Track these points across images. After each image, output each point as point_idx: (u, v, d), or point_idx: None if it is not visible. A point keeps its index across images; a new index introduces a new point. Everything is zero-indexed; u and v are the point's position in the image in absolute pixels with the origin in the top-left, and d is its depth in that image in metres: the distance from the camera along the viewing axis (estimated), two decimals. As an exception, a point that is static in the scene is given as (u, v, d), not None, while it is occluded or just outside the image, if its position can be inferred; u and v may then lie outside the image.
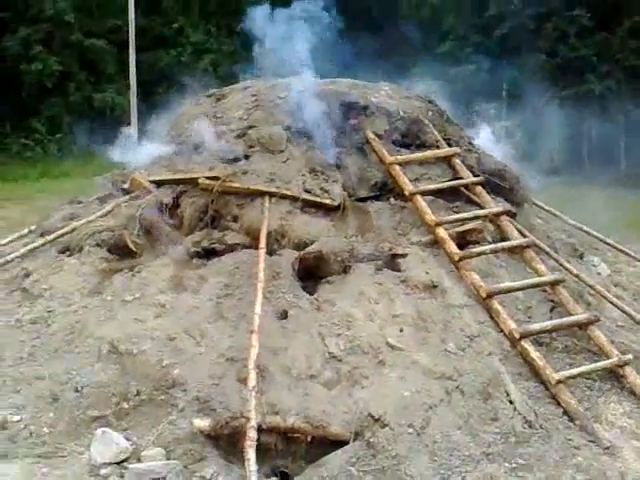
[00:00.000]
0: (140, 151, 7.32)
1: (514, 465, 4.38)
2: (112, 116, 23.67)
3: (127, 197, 6.63)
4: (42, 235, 6.72)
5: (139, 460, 4.36)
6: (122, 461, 4.38)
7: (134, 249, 5.98)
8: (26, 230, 7.39)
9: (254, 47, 7.55)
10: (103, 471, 4.31)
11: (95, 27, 25.71)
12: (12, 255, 6.45)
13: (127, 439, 4.50)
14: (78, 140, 21.97)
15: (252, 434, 4.25)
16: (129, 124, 20.31)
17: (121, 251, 6.00)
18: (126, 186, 6.79)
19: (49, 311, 5.61)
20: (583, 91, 22.97)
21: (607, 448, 4.59)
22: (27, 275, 6.10)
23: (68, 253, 6.27)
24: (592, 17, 23.60)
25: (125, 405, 4.72)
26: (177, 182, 6.36)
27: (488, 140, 7.79)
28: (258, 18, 7.35)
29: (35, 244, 6.50)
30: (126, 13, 21.53)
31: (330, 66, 8.07)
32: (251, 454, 4.11)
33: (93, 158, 16.60)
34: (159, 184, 6.42)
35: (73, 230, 6.44)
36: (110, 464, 4.35)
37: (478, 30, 25.88)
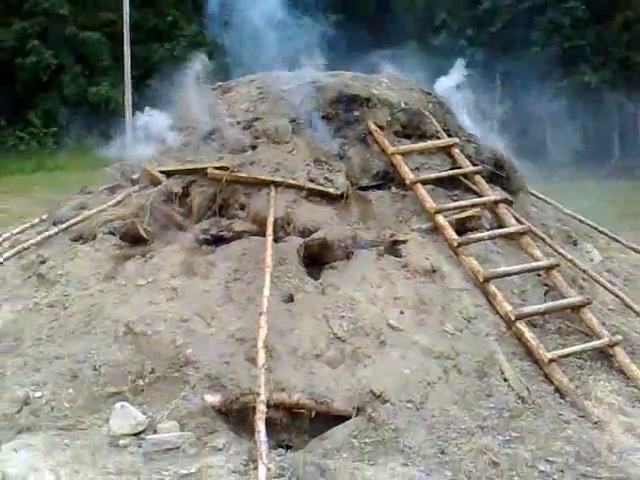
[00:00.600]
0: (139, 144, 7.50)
1: (507, 437, 4.62)
2: (107, 109, 23.71)
3: (137, 187, 6.82)
4: (55, 224, 6.88)
5: (155, 432, 4.62)
6: (139, 433, 4.65)
7: (145, 236, 6.18)
8: (37, 219, 7.61)
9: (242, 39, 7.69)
10: (122, 442, 4.58)
11: (89, 20, 25.70)
12: (28, 243, 6.63)
13: (143, 413, 4.75)
14: (73, 133, 22.06)
15: (262, 408, 4.48)
16: (123, 117, 20.39)
17: (133, 238, 6.19)
18: (135, 176, 6.98)
19: (65, 295, 5.80)
20: (577, 83, 23.05)
21: (596, 423, 4.84)
22: (43, 262, 6.26)
23: (81, 241, 6.45)
24: (586, 9, 23.67)
25: (141, 382, 4.97)
26: (186, 172, 6.54)
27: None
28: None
29: (49, 232, 6.66)
30: (120, 7, 21.55)
31: (327, 58, 8.25)
32: (261, 426, 4.34)
33: (88, 151, 16.68)
34: (169, 174, 6.60)
35: (85, 219, 6.62)
36: (128, 435, 4.62)
37: (472, 24, 25.88)
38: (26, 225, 7.60)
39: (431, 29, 26.07)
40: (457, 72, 8.07)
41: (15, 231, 7.46)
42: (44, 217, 7.54)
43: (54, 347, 5.31)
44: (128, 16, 21.32)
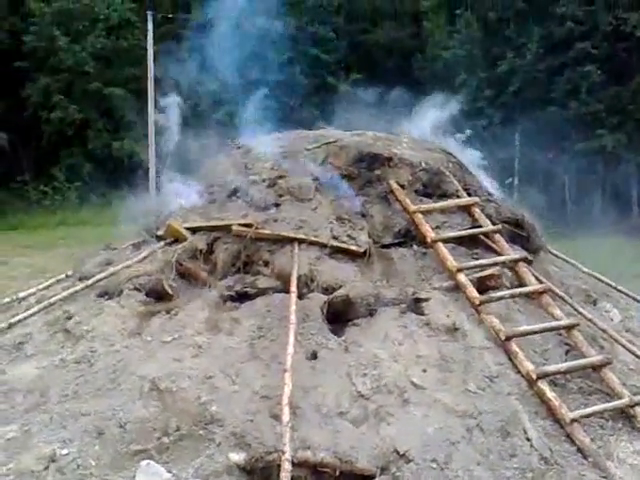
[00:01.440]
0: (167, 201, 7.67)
1: (532, 498, 4.62)
2: (130, 164, 24.07)
3: (162, 243, 6.94)
4: (81, 279, 6.96)
5: (180, 491, 4.63)
6: (164, 491, 4.65)
7: (170, 292, 6.27)
8: (63, 275, 7.73)
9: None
10: (148, 500, 4.59)
11: (114, 76, 26.29)
12: (54, 298, 6.68)
13: (169, 471, 4.76)
14: (96, 188, 22.37)
15: (287, 466, 4.53)
16: (147, 173, 20.67)
17: (158, 294, 6.29)
18: (160, 233, 7.09)
19: (92, 351, 5.84)
20: (595, 146, 23.23)
21: (618, 483, 4.81)
22: (69, 317, 6.32)
23: (107, 297, 6.50)
24: (602, 73, 23.98)
25: (166, 440, 4.98)
26: (211, 229, 6.67)
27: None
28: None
29: (75, 288, 6.73)
30: (144, 62, 22.06)
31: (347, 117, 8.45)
32: (287, 484, 4.39)
33: (111, 206, 16.86)
34: (194, 231, 6.74)
35: (111, 275, 6.70)
36: (154, 494, 4.63)
37: (490, 84, 26.31)
38: (52, 280, 7.69)
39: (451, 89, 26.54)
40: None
41: (41, 286, 7.56)
42: (69, 273, 7.64)
43: (80, 404, 5.33)
44: (152, 71, 21.80)
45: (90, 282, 6.73)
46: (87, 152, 25.18)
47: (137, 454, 4.89)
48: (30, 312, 6.57)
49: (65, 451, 4.93)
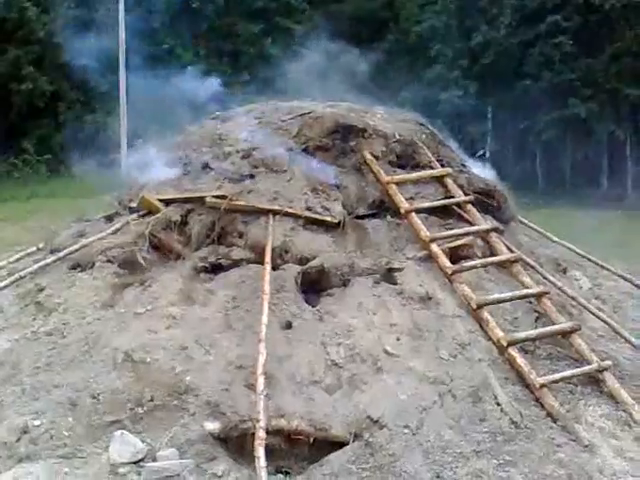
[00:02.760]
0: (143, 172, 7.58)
1: (501, 461, 4.73)
2: (102, 136, 23.77)
3: (135, 215, 6.88)
4: (52, 252, 6.90)
5: (154, 460, 4.65)
6: (139, 461, 4.66)
7: (144, 264, 6.23)
8: (34, 248, 7.64)
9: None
10: (121, 470, 4.60)
11: (85, 47, 25.86)
12: (25, 271, 6.61)
13: (143, 441, 4.77)
14: (67, 160, 22.07)
15: (261, 434, 4.57)
16: (119, 145, 20.43)
17: (131, 266, 6.25)
18: (133, 204, 7.04)
19: (64, 323, 5.81)
20: (567, 115, 23.44)
21: (586, 446, 4.94)
22: (40, 290, 6.27)
23: (79, 269, 6.45)
24: (574, 44, 24.15)
25: (140, 410, 4.99)
26: (185, 200, 6.62)
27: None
28: None
29: (47, 260, 6.66)
30: (116, 34, 21.70)
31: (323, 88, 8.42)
32: (261, 452, 4.44)
33: (83, 179, 16.64)
34: (168, 203, 6.68)
35: (84, 247, 6.62)
36: (128, 463, 4.64)
37: (465, 55, 26.37)
38: (22, 253, 7.60)
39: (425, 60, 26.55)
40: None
41: (12, 259, 7.47)
42: (41, 245, 7.55)
43: (52, 375, 5.32)
44: (124, 44, 21.45)
45: (62, 254, 6.67)
46: (58, 124, 24.82)
47: (111, 425, 4.90)
48: (1, 285, 6.49)
49: (37, 422, 4.92)
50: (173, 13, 25.25)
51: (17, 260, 7.41)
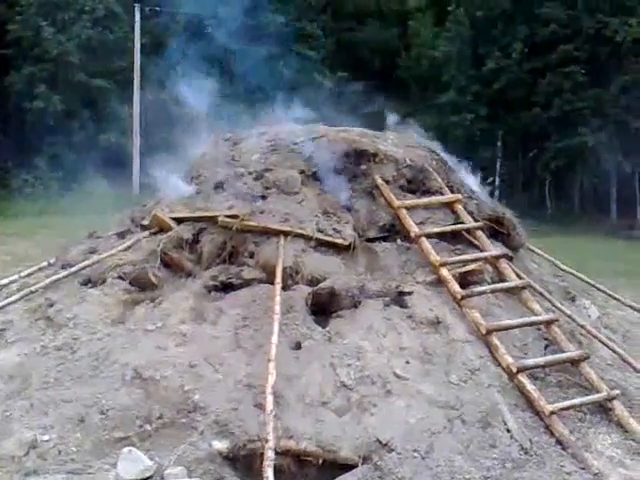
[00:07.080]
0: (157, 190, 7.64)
1: (511, 489, 4.69)
2: (115, 155, 23.96)
3: (147, 232, 6.92)
4: (64, 267, 6.92)
5: (162, 478, 4.64)
6: (146, 478, 4.65)
7: (155, 282, 6.27)
8: (45, 263, 7.68)
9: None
10: (129, 487, 4.59)
11: (99, 67, 26.14)
12: (36, 286, 6.62)
13: (151, 458, 4.76)
14: (79, 178, 22.25)
15: (270, 454, 4.55)
16: (131, 163, 20.60)
17: (142, 283, 6.28)
18: (146, 222, 7.09)
19: (74, 339, 5.81)
20: (576, 143, 23.53)
21: (596, 474, 4.91)
22: (51, 305, 6.28)
23: (90, 285, 6.48)
24: (586, 74, 24.33)
25: (148, 427, 4.99)
26: (197, 219, 6.68)
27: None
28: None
29: (58, 275, 6.69)
30: (130, 54, 21.90)
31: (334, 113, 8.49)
32: (269, 472, 4.41)
33: (93, 196, 16.77)
34: (180, 221, 6.74)
35: (95, 263, 6.67)
36: (135, 480, 4.63)
37: (477, 81, 26.58)
38: (34, 268, 7.62)
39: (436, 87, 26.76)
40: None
41: (23, 274, 7.50)
42: (52, 261, 7.59)
43: (62, 390, 5.32)
44: (139, 64, 21.66)
45: (74, 270, 6.69)
46: (71, 142, 25.01)
47: (119, 441, 4.89)
48: (11, 299, 6.51)
49: (46, 437, 4.92)
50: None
51: (28, 275, 7.43)
